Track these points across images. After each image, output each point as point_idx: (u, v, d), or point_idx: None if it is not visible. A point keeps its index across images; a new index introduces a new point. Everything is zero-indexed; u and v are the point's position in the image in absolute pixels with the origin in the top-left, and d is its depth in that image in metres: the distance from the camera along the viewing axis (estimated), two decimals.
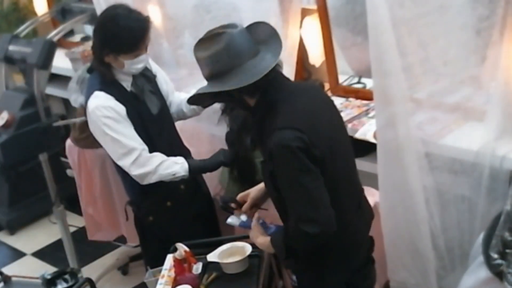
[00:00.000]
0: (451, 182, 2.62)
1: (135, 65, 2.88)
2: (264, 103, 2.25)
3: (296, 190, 2.19)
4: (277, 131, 2.18)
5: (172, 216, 3.07)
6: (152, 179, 2.90)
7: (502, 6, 2.34)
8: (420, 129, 2.64)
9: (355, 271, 2.42)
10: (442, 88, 2.65)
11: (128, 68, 2.88)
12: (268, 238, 2.39)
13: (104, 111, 2.85)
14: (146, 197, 3.05)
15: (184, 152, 3.11)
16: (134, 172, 2.90)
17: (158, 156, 2.90)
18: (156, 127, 2.99)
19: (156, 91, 3.05)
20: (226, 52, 2.17)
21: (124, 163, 2.89)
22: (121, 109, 2.87)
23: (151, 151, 2.92)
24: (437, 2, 2.51)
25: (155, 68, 3.11)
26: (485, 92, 2.56)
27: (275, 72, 2.24)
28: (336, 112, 2.42)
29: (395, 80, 2.49)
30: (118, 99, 2.88)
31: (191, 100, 2.42)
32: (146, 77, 3.00)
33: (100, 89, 2.88)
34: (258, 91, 2.23)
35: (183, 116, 3.22)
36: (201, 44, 2.22)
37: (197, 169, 2.98)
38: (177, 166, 2.91)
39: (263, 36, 2.28)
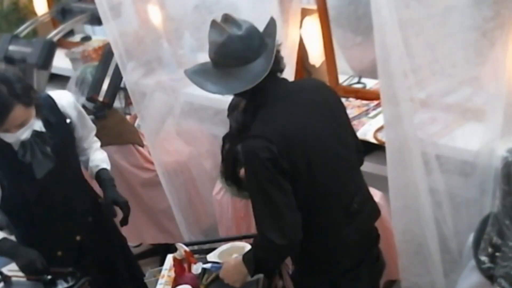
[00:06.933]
0: (458, 184, 2.62)
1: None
2: (251, 106, 2.31)
3: (262, 199, 2.23)
4: (249, 139, 2.24)
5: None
6: None
7: (507, 6, 2.34)
8: (425, 130, 2.64)
9: (341, 273, 2.42)
10: (447, 88, 2.65)
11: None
12: (240, 258, 2.40)
13: None
14: None
15: (83, 207, 2.94)
16: None
17: None
18: (35, 191, 2.78)
19: (56, 150, 2.78)
20: (221, 50, 2.25)
21: None
22: None
23: (25, 212, 2.80)
24: (442, 3, 2.51)
25: (75, 114, 2.89)
26: (488, 92, 2.55)
27: (267, 77, 2.24)
28: (333, 115, 2.38)
29: (401, 81, 2.49)
30: None
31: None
32: (42, 137, 2.74)
33: None
34: (247, 93, 2.26)
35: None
36: (213, 25, 2.29)
37: (6, 248, 2.72)
38: None
39: (268, 33, 2.32)
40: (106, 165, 3.04)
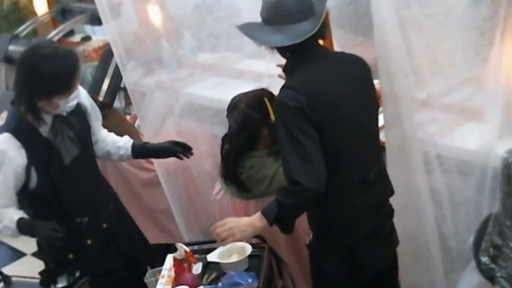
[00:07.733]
0: (458, 183, 2.63)
1: (69, 103, 2.75)
2: (290, 64, 2.45)
3: (292, 145, 2.32)
4: (281, 90, 2.39)
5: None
6: None
7: (504, 6, 2.35)
8: (425, 129, 2.64)
9: (355, 242, 2.49)
10: (447, 88, 2.66)
11: (62, 108, 2.73)
12: (255, 215, 2.45)
13: None
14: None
15: (104, 195, 3.01)
16: None
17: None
18: (64, 178, 2.79)
19: (79, 136, 2.83)
20: (274, 8, 2.37)
21: None
22: (18, 160, 2.69)
23: (55, 201, 2.79)
24: (442, 4, 2.51)
25: (89, 103, 2.96)
26: (487, 92, 2.56)
27: (309, 39, 2.36)
28: (362, 90, 2.46)
29: (401, 80, 2.50)
30: (26, 147, 2.70)
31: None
32: (68, 122, 2.80)
33: (10, 130, 2.70)
34: (288, 51, 2.42)
35: (107, 159, 3.13)
36: None
37: (24, 226, 2.74)
38: (5, 221, 2.74)
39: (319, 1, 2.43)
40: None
